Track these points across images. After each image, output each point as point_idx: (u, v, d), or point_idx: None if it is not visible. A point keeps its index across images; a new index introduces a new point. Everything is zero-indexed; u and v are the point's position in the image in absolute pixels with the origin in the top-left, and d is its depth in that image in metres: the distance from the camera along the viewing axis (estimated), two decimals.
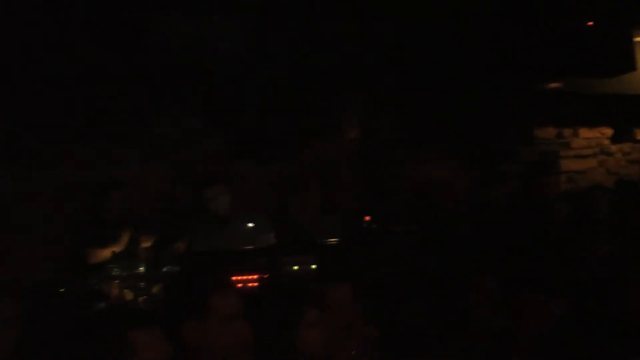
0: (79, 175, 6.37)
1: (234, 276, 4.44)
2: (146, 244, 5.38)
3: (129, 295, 4.73)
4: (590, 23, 6.07)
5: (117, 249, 5.37)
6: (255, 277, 4.61)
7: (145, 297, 4.75)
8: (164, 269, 5.11)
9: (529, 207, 5.76)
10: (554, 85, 6.87)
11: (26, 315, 3.27)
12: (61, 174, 6.41)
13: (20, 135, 6.26)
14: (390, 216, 5.69)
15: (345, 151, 6.85)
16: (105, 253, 5.35)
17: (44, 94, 6.07)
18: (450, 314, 3.93)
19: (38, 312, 4.49)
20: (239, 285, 4.50)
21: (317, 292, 3.60)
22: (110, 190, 5.73)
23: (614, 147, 8.31)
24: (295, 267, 4.70)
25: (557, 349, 3.58)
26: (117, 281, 4.75)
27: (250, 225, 5.76)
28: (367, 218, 5.39)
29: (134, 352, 2.12)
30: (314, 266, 4.73)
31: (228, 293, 2.64)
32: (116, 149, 6.55)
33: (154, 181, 6.59)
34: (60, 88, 6.05)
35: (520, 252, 5.03)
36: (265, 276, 4.64)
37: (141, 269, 4.93)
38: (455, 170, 6.84)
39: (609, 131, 8.27)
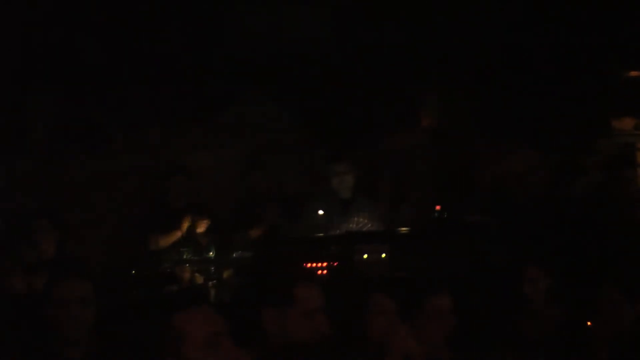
0: (153, 160, 6.45)
1: (304, 263, 4.44)
2: (202, 228, 5.33)
3: (199, 279, 4.77)
4: None
5: (179, 235, 5.38)
6: (325, 264, 4.59)
7: (214, 281, 4.78)
8: (235, 255, 5.13)
9: (608, 201, 5.58)
10: (634, 73, 6.66)
11: (101, 294, 3.32)
12: (135, 158, 6.50)
13: (94, 120, 6.37)
14: (463, 207, 5.59)
15: (421, 141, 6.77)
16: (168, 239, 5.38)
17: (119, 80, 6.15)
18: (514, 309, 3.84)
19: (109, 293, 4.57)
20: (307, 272, 4.48)
21: (418, 299, 3.50)
22: (175, 175, 5.72)
23: None
24: (365, 256, 4.66)
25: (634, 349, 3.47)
26: (188, 265, 4.79)
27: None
28: (438, 207, 5.30)
29: (181, 335, 2.09)
30: (384, 255, 4.68)
31: (312, 286, 2.60)
32: (191, 134, 6.60)
33: (229, 166, 6.61)
34: (136, 75, 6.12)
35: (599, 249, 4.89)
36: (335, 264, 4.62)
37: (211, 253, 4.96)
38: (532, 161, 6.69)
39: None
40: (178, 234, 5.35)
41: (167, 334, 2.10)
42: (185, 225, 5.37)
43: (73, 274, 3.23)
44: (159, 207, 5.79)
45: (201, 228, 5.38)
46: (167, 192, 5.71)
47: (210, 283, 4.75)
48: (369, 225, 5.43)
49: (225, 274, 4.86)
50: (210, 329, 2.10)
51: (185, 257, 4.93)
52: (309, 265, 4.50)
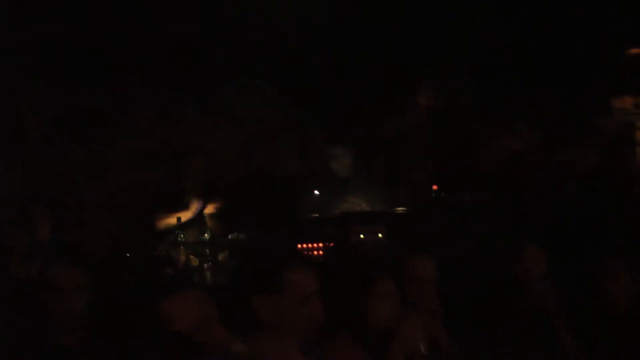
0: (151, 142, 6.41)
1: (299, 244, 4.41)
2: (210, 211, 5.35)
3: (194, 261, 4.74)
4: None
5: (184, 216, 5.38)
6: (320, 245, 4.57)
7: (210, 263, 4.75)
8: (230, 237, 5.10)
9: (608, 180, 5.56)
10: (634, 51, 6.60)
11: (95, 281, 3.29)
12: (133, 140, 6.46)
13: (93, 102, 6.33)
14: (462, 186, 5.55)
15: (420, 120, 6.72)
16: (172, 220, 5.37)
17: (118, 60, 6.10)
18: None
19: (106, 278, 4.55)
20: (305, 253, 4.46)
21: (396, 263, 3.52)
22: (187, 157, 5.69)
23: None
24: (362, 236, 4.63)
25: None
26: (183, 247, 4.76)
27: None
28: (435, 187, 5.26)
29: (169, 320, 2.05)
30: (380, 235, 4.65)
31: (306, 270, 2.52)
32: (191, 115, 6.56)
33: (229, 148, 6.58)
34: (135, 54, 6.07)
35: (600, 226, 4.86)
36: (331, 245, 4.59)
37: (206, 235, 4.93)
38: (531, 140, 6.65)
39: None
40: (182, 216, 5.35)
41: (156, 318, 2.06)
42: (193, 208, 5.37)
43: (66, 261, 3.20)
44: (165, 190, 5.77)
45: (209, 210, 5.40)
46: (177, 173, 5.69)
47: (205, 265, 4.72)
48: (364, 206, 5.42)
49: (221, 256, 4.83)
50: (199, 313, 2.05)
51: (180, 239, 4.90)
52: (305, 246, 4.47)
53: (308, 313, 2.45)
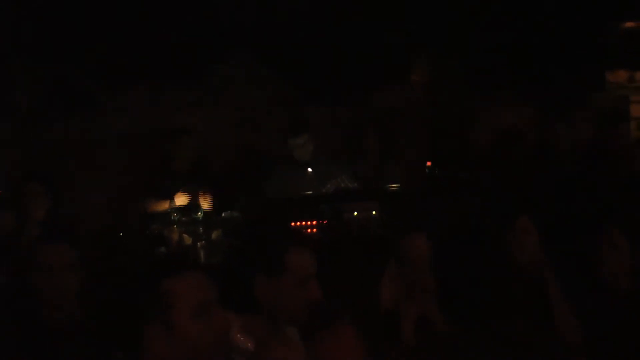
0: (142, 122, 6.38)
1: (293, 222, 4.39)
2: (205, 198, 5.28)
3: (187, 240, 4.72)
4: None
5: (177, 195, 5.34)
6: (314, 223, 4.55)
7: (203, 242, 4.73)
8: (223, 215, 5.08)
9: (602, 154, 5.55)
10: (628, 25, 6.56)
11: (87, 260, 3.27)
12: (124, 120, 6.43)
13: (83, 82, 6.28)
14: (455, 163, 5.54)
15: (413, 96, 6.69)
16: (165, 199, 5.34)
17: (107, 40, 6.04)
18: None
19: (99, 257, 4.54)
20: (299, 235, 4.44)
21: (390, 242, 3.52)
22: (178, 137, 5.64)
23: None
24: (356, 214, 4.61)
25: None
26: (176, 226, 4.74)
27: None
28: (429, 164, 5.24)
29: (171, 300, 2.03)
30: (374, 212, 4.63)
31: (306, 252, 2.49)
32: (180, 95, 6.53)
33: (219, 127, 6.55)
34: (124, 34, 6.01)
35: (595, 200, 4.86)
36: (325, 222, 4.57)
37: (199, 214, 4.91)
38: (525, 115, 6.63)
39: None
40: (182, 198, 5.30)
41: (156, 299, 2.02)
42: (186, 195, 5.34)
43: (57, 239, 3.18)
44: (158, 171, 5.74)
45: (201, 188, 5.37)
46: (164, 155, 5.65)
47: (198, 244, 4.70)
48: (355, 184, 5.41)
49: (214, 235, 4.81)
50: (201, 296, 2.02)
51: (173, 218, 4.88)
52: (298, 224, 4.45)
53: (307, 296, 2.42)
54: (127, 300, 2.45)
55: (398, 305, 3.01)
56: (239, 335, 2.20)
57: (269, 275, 2.45)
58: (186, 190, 5.32)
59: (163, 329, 1.99)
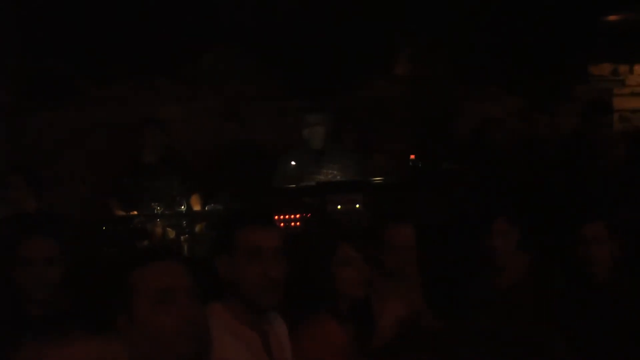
0: (126, 113, 6.35)
1: (276, 215, 4.38)
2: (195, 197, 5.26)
3: (171, 233, 4.71)
4: None
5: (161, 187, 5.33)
6: (298, 216, 4.54)
7: (187, 235, 4.72)
8: (207, 208, 5.07)
9: (585, 146, 5.56)
10: (612, 18, 6.58)
11: (69, 253, 3.26)
12: (105, 110, 6.40)
13: (63, 72, 6.24)
14: (440, 155, 5.53)
15: (397, 88, 6.68)
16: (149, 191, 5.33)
17: (88, 29, 6.00)
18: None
19: (82, 250, 4.52)
20: (281, 224, 4.44)
21: (375, 231, 3.52)
22: (145, 127, 5.60)
23: None
24: (339, 207, 4.61)
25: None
26: (159, 219, 4.72)
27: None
28: (412, 156, 5.24)
29: (131, 291, 2.04)
30: (358, 205, 4.63)
31: (259, 227, 2.50)
32: (163, 85, 6.50)
33: (202, 117, 6.53)
34: (106, 23, 5.97)
35: (578, 192, 4.87)
36: (308, 215, 4.57)
37: (183, 207, 4.89)
38: (509, 107, 6.65)
39: None
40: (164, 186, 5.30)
41: (120, 290, 2.04)
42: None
43: (38, 232, 3.17)
44: (133, 161, 5.71)
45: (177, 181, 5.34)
46: (141, 145, 5.60)
47: (182, 237, 4.69)
48: (338, 176, 5.40)
49: (198, 228, 4.80)
50: (163, 285, 2.03)
51: (156, 211, 4.86)
52: (282, 217, 4.45)
53: (263, 271, 2.42)
54: (102, 294, 2.45)
55: (359, 292, 3.01)
56: None
57: (226, 252, 2.47)
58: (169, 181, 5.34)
59: (128, 320, 2.00)
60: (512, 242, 3.70)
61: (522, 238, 3.72)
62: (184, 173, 5.50)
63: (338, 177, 5.36)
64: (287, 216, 4.50)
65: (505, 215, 3.71)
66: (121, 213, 5.35)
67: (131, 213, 5.19)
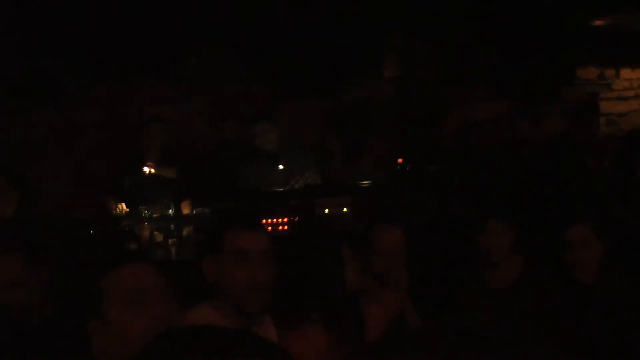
0: (113, 115, 6.33)
1: (263, 219, 4.37)
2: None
3: (159, 237, 4.69)
4: None
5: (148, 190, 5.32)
6: (286, 219, 4.54)
7: (174, 238, 4.71)
8: (195, 211, 5.06)
9: (571, 149, 5.59)
10: (598, 22, 6.61)
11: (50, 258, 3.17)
12: (98, 111, 6.38)
13: (57, 73, 6.21)
14: (427, 157, 5.55)
15: (385, 90, 6.69)
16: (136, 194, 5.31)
17: (83, 30, 5.98)
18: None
19: (69, 251, 4.49)
20: (269, 228, 4.43)
21: (362, 234, 3.52)
22: (148, 125, 5.60)
23: None
24: (327, 210, 4.60)
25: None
26: (147, 223, 4.70)
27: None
28: (400, 160, 5.25)
29: (101, 293, 2.04)
30: (346, 209, 4.63)
31: (245, 230, 2.50)
32: (156, 86, 6.48)
33: (189, 120, 6.51)
34: (101, 25, 5.95)
35: (564, 195, 4.89)
36: (296, 219, 4.56)
37: (171, 211, 4.88)
38: (498, 109, 6.66)
39: None
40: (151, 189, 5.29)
41: (92, 294, 2.05)
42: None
43: (7, 251, 2.93)
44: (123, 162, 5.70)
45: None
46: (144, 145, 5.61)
47: (170, 241, 4.67)
48: (328, 179, 5.41)
49: (185, 231, 4.79)
50: (133, 285, 2.03)
51: (144, 215, 4.84)
52: (270, 220, 4.44)
53: (250, 275, 2.42)
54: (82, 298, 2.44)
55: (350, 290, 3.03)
56: None
57: (213, 253, 2.47)
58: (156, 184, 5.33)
59: (101, 323, 2.01)
60: (507, 242, 3.72)
61: (517, 239, 3.74)
62: (177, 177, 5.51)
63: (327, 180, 5.37)
64: (275, 220, 4.50)
65: (499, 215, 3.73)
66: (109, 215, 5.34)
67: (120, 215, 5.17)
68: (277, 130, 5.62)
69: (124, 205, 5.21)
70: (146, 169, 5.29)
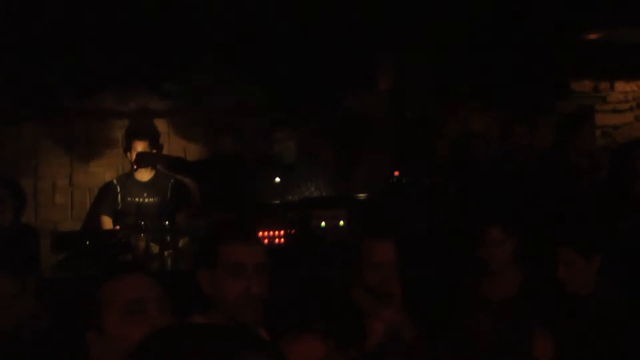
0: (111, 126, 6.35)
1: (260, 231, 4.38)
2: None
3: (155, 248, 4.69)
4: None
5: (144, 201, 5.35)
6: (282, 232, 4.54)
7: (170, 250, 4.71)
8: (191, 223, 5.07)
9: (565, 161, 5.61)
10: (592, 36, 6.64)
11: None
12: (92, 124, 6.39)
13: (51, 88, 6.23)
14: (423, 170, 5.56)
15: (379, 103, 6.71)
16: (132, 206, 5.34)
17: (78, 44, 6.00)
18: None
19: (65, 263, 4.49)
20: (266, 241, 4.43)
21: (356, 247, 3.53)
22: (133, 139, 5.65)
23: None
24: (323, 224, 4.61)
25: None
26: (143, 234, 4.70)
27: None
28: (397, 173, 5.25)
29: (100, 304, 2.04)
30: (342, 222, 4.64)
31: (240, 242, 2.51)
32: (150, 99, 6.51)
33: (186, 131, 6.54)
34: (95, 38, 5.97)
35: (557, 210, 4.90)
36: (292, 231, 4.57)
37: (167, 222, 4.88)
38: (492, 122, 6.69)
39: None
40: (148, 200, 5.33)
41: (89, 307, 2.06)
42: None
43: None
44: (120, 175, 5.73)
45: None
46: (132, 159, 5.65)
47: (166, 252, 4.67)
48: (316, 192, 5.41)
49: (181, 243, 4.79)
50: (131, 296, 2.04)
51: (140, 226, 4.83)
52: (265, 233, 4.45)
53: (245, 287, 2.43)
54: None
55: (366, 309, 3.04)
56: None
57: (208, 266, 2.47)
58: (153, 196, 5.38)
59: (98, 334, 2.02)
60: (507, 252, 3.73)
61: (517, 248, 3.75)
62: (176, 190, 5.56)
63: (314, 193, 5.38)
64: (270, 232, 4.50)
65: (500, 224, 3.73)
66: (107, 227, 5.37)
67: (115, 227, 5.19)
68: (296, 137, 5.55)
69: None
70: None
